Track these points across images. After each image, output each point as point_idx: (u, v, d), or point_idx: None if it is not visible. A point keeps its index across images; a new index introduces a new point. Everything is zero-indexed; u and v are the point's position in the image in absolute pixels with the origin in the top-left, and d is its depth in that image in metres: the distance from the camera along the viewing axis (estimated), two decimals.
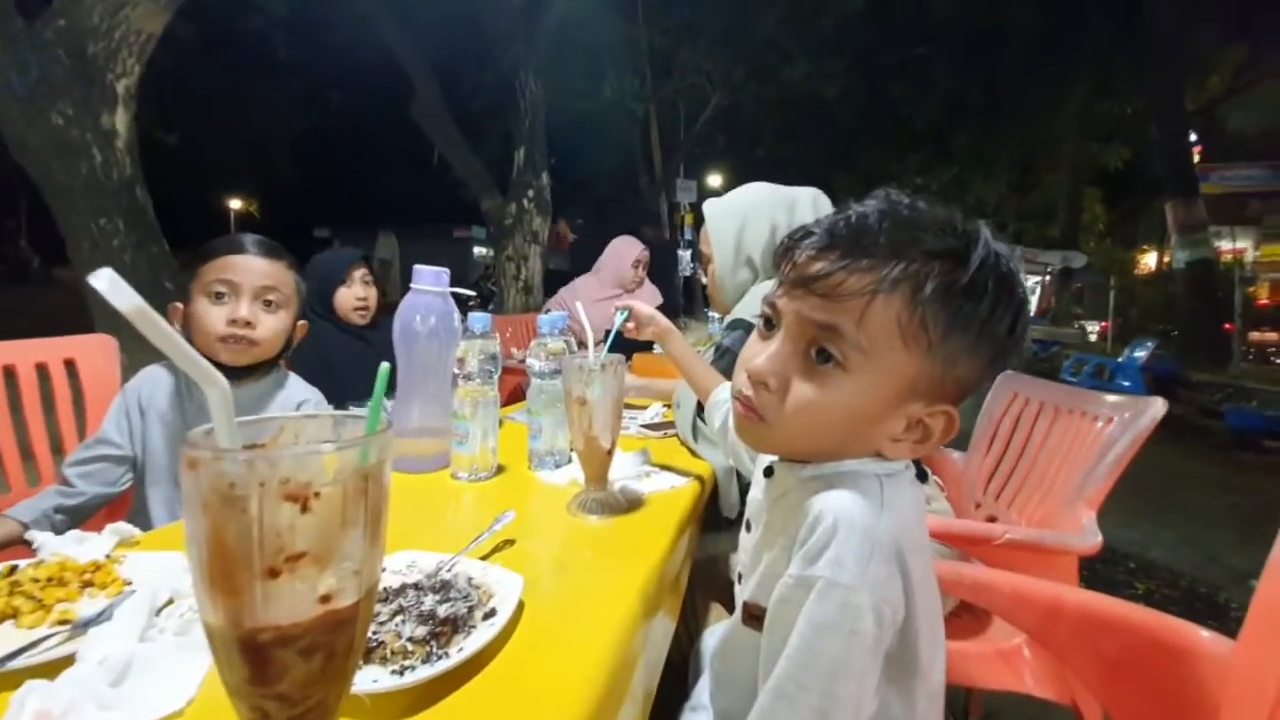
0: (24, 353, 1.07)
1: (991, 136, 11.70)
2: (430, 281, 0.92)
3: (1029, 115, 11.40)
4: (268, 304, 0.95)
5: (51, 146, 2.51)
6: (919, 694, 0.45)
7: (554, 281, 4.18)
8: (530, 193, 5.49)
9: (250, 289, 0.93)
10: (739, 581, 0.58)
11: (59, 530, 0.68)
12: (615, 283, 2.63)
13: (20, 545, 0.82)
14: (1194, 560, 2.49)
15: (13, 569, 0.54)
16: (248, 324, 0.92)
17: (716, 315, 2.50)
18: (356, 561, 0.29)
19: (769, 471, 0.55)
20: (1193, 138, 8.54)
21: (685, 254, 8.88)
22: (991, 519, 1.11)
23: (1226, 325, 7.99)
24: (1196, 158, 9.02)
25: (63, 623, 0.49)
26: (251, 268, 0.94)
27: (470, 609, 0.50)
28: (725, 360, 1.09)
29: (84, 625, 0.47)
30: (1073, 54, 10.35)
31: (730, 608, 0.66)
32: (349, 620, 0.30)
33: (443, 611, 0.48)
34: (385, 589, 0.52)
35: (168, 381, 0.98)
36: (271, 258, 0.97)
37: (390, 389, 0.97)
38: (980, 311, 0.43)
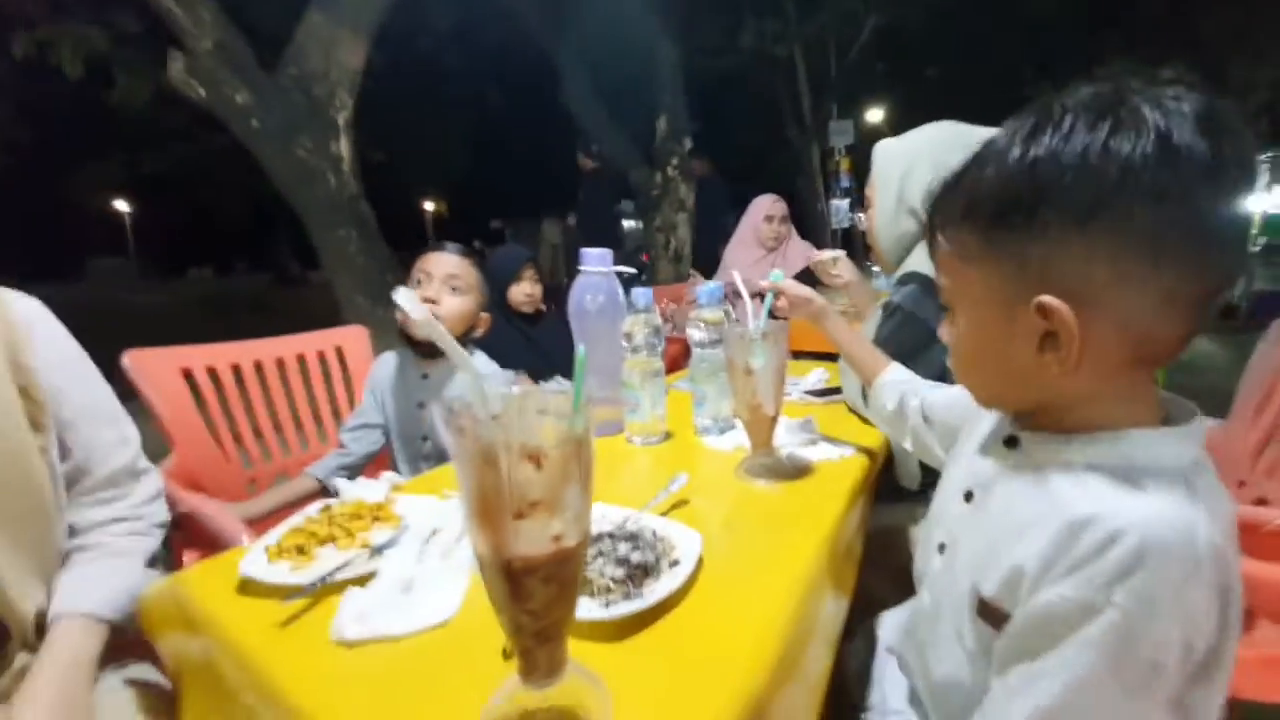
0: (309, 344, 1.40)
1: (1252, 11, 8.81)
2: (596, 263, 1.00)
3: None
4: (453, 289, 1.16)
5: (297, 174, 3.14)
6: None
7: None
8: (674, 160, 5.50)
9: (440, 276, 1.16)
10: (940, 552, 0.52)
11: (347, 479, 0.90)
12: (756, 243, 2.56)
13: (321, 494, 1.12)
14: None
15: (327, 507, 0.73)
16: (434, 302, 1.14)
17: (878, 269, 2.31)
18: (575, 510, 0.36)
19: (1012, 442, 0.48)
20: None
21: (843, 203, 8.22)
22: (1261, 501, 0.91)
23: None
24: None
25: (364, 547, 0.65)
26: (441, 260, 1.17)
27: (658, 558, 0.56)
28: (896, 318, 1.02)
29: (378, 549, 0.63)
30: None
31: (908, 585, 0.62)
32: (573, 557, 0.36)
33: (635, 558, 0.55)
34: None
35: (393, 365, 1.24)
36: (457, 254, 1.19)
37: (549, 372, 1.14)
38: (1010, 178, 0.40)
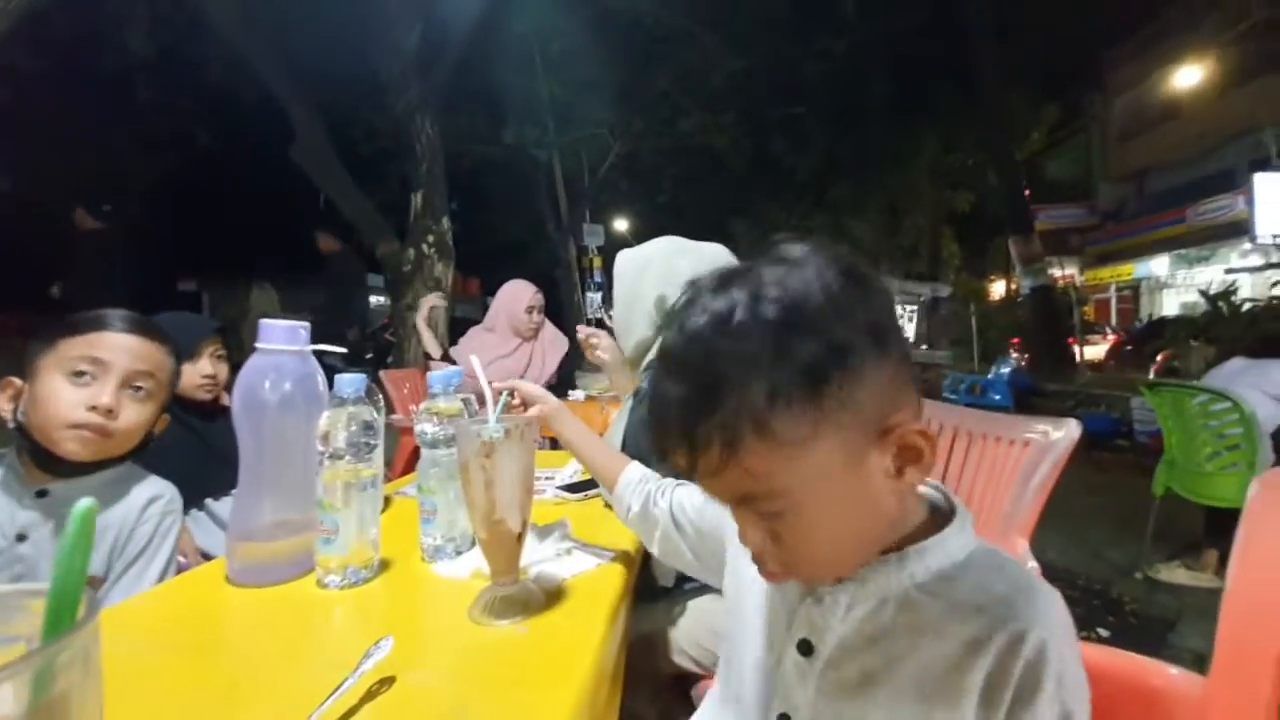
0: None
1: (862, 186, 13.14)
2: (283, 339, 0.74)
3: (891, 168, 12.94)
4: (136, 389, 0.83)
5: None
6: None
7: (461, 329, 3.91)
8: (430, 238, 5.22)
9: (120, 372, 0.81)
10: None
11: None
12: (512, 331, 2.48)
13: None
14: (1082, 558, 2.69)
15: None
16: (109, 412, 0.80)
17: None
18: None
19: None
20: (1023, 183, 9.99)
21: (597, 295, 8.88)
22: None
23: (1070, 340, 9.26)
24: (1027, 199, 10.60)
25: None
26: (124, 347, 0.83)
27: None
28: (645, 405, 1.00)
29: None
30: (921, 116, 11.95)
31: (672, 700, 0.55)
32: None
33: None
34: None
35: None
36: (149, 338, 0.85)
37: (230, 482, 0.79)
38: (818, 366, 0.37)
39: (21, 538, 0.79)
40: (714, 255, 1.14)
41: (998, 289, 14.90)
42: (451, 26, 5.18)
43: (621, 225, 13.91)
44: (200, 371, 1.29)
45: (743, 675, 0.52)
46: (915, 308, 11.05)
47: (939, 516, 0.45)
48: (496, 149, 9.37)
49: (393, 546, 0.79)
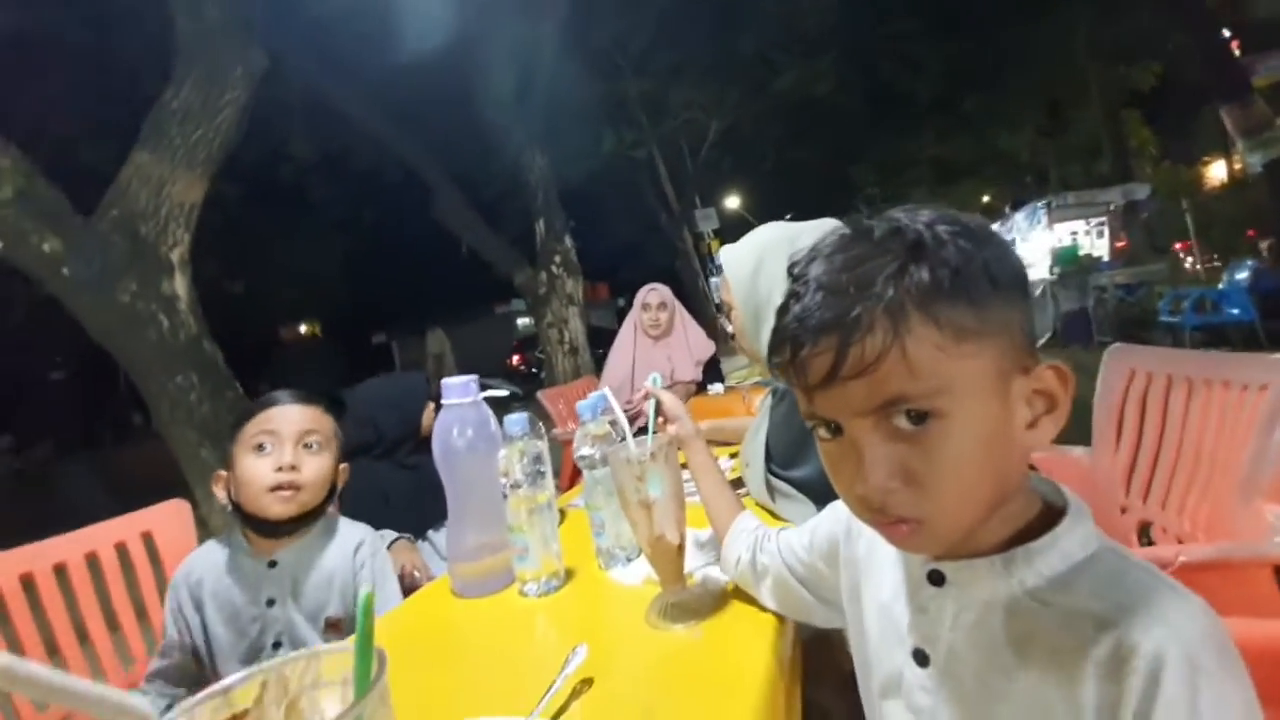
0: (103, 535, 1.11)
1: (1003, 91, 11.21)
2: (459, 394, 0.88)
3: (1036, 59, 10.88)
4: (308, 447, 0.95)
5: (122, 322, 2.75)
6: None
7: (601, 339, 4.11)
8: (557, 258, 5.62)
9: (291, 435, 0.94)
10: None
11: None
12: (641, 333, 2.56)
13: None
14: None
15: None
16: (293, 468, 0.92)
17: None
18: None
19: (936, 578, 0.43)
20: (1225, 34, 7.80)
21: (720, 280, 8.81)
22: (1145, 524, 0.93)
23: None
24: (1237, 53, 8.23)
25: None
26: (289, 416, 0.95)
27: None
28: (786, 403, 0.99)
29: None
30: None
31: (853, 691, 0.54)
32: None
33: None
34: None
35: (219, 558, 0.96)
36: (306, 404, 0.98)
37: (441, 514, 0.93)
38: (971, 268, 0.37)
39: (270, 602, 0.94)
40: (830, 228, 1.08)
41: (1215, 174, 11.91)
42: (538, 63, 5.50)
43: (733, 203, 13.55)
44: (429, 418, 1.57)
45: (870, 689, 0.51)
46: (1104, 218, 9.12)
47: (1052, 513, 0.41)
48: (599, 160, 9.73)
49: (573, 556, 0.90)
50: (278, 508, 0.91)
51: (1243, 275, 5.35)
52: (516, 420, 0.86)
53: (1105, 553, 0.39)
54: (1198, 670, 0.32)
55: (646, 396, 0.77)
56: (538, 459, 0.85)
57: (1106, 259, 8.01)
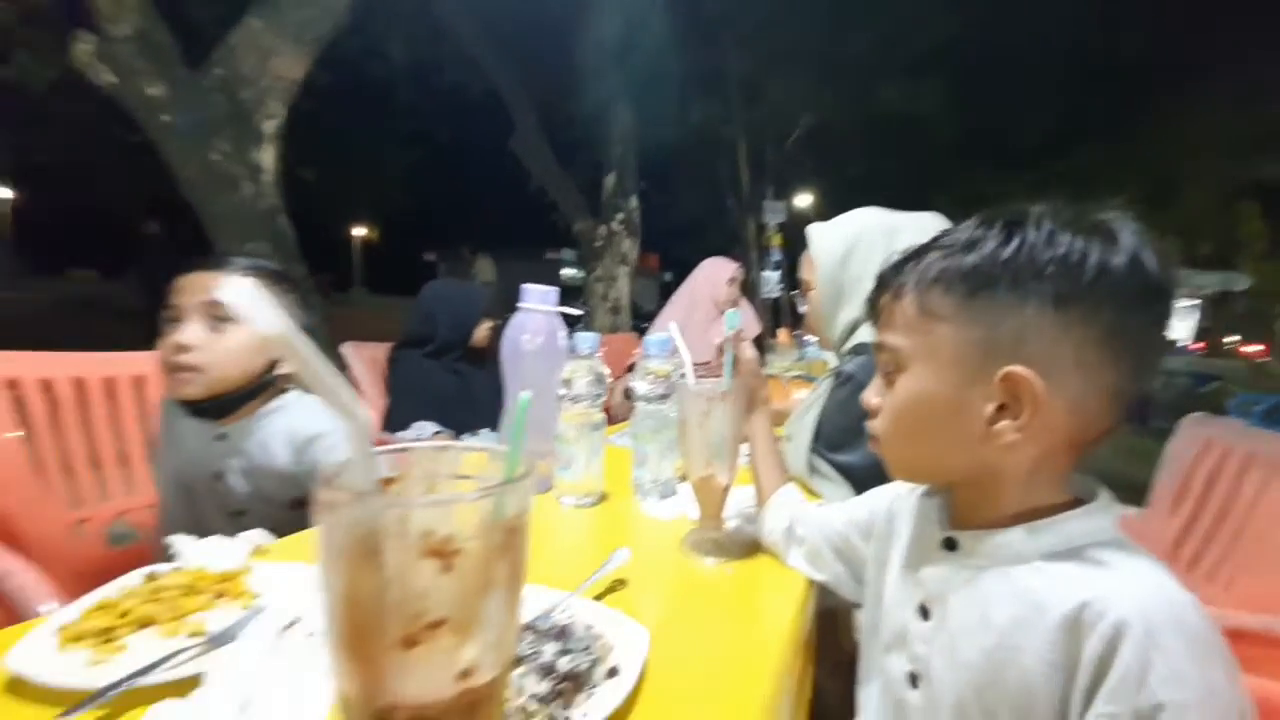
0: (122, 362, 1.15)
1: (1113, 154, 10.58)
2: (538, 300, 0.91)
3: (1156, 130, 10.20)
4: (216, 320, 0.81)
5: (209, 179, 2.86)
6: None
7: (637, 314, 4.11)
8: (620, 215, 5.59)
9: (194, 306, 0.81)
10: (912, 685, 0.47)
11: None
12: (714, 305, 2.57)
13: None
14: None
15: (154, 575, 0.55)
16: (180, 348, 0.79)
17: (813, 339, 2.36)
18: (497, 631, 0.25)
19: (951, 544, 0.47)
20: None
21: (774, 274, 8.66)
22: None
23: None
24: None
25: (195, 634, 0.49)
26: (195, 284, 0.82)
27: (592, 663, 0.44)
28: (850, 387, 0.99)
29: (213, 641, 0.47)
30: (1196, 69, 9.17)
31: (848, 676, 0.58)
32: (487, 699, 0.25)
33: (563, 665, 0.43)
34: None
35: (174, 418, 0.88)
36: (222, 270, 0.84)
37: (477, 425, 0.92)
38: (996, 256, 0.42)
39: (218, 476, 0.85)
40: (934, 225, 1.04)
41: None
42: (646, 19, 5.38)
43: (803, 201, 13.23)
44: (484, 329, 1.65)
45: (874, 646, 0.54)
46: (1197, 302, 8.55)
47: (1077, 505, 0.43)
48: (681, 130, 9.54)
49: (606, 485, 0.92)
50: (180, 390, 0.81)
51: None
52: (588, 338, 0.88)
53: (1112, 541, 0.41)
54: (1155, 646, 0.34)
55: (737, 338, 0.77)
56: (599, 380, 0.88)
57: (1188, 342, 7.59)
